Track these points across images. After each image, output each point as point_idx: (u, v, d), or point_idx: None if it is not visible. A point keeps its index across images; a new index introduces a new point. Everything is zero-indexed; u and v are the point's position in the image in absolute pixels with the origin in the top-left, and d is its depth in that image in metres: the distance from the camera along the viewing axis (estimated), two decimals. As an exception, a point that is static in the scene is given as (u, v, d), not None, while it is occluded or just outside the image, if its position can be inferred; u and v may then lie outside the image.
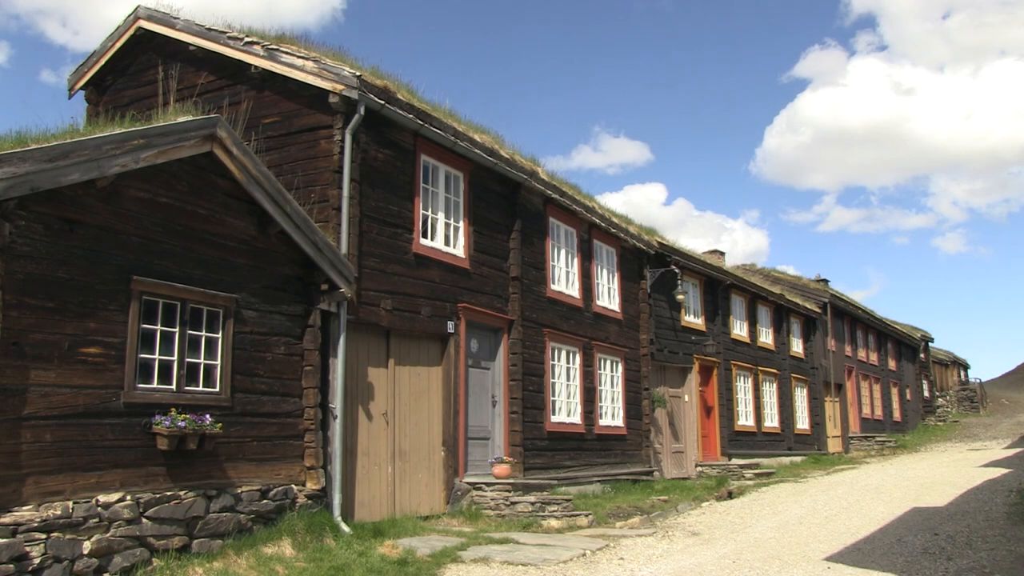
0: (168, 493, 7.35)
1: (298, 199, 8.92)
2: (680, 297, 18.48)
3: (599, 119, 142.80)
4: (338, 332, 9.55)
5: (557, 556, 8.47)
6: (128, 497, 6.99)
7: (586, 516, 11.45)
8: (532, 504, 11.27)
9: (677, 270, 18.25)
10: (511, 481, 11.66)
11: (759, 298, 23.66)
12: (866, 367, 33.42)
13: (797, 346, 26.28)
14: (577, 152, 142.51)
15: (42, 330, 6.54)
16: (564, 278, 14.94)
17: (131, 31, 11.80)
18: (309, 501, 8.84)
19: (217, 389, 7.99)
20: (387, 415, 10.68)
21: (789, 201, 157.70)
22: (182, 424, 7.28)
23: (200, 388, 7.85)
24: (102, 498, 6.80)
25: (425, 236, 11.43)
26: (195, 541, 7.50)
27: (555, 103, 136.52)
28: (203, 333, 7.94)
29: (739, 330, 22.39)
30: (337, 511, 9.20)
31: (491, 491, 11.50)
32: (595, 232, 15.97)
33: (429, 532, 9.72)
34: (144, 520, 7.07)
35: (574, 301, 15.04)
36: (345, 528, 8.96)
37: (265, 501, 8.34)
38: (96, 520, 6.68)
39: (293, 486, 8.75)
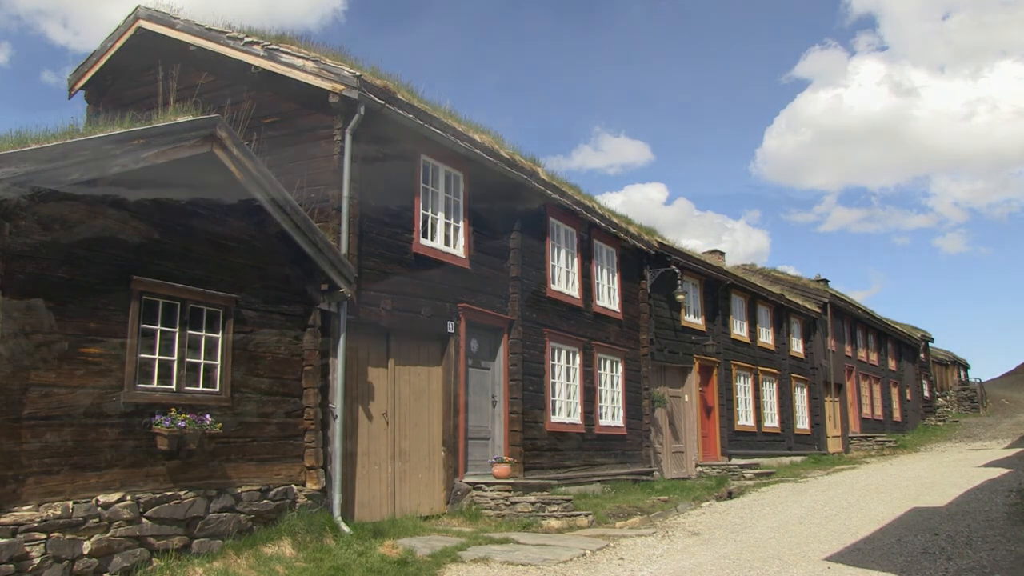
0: (168, 493, 7.34)
1: (298, 199, 8.92)
2: (680, 297, 18.47)
3: (599, 119, 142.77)
4: (338, 332, 9.55)
5: (557, 556, 8.47)
6: (128, 497, 6.98)
7: (586, 516, 11.45)
8: (532, 504, 11.27)
9: (677, 270, 18.24)
10: (511, 481, 11.66)
11: (759, 298, 23.65)
12: (866, 367, 33.41)
13: (797, 346, 26.27)
14: (577, 152, 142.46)
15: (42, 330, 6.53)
16: (564, 278, 14.93)
17: (131, 31, 11.79)
18: (309, 501, 8.83)
19: (217, 389, 7.98)
20: (387, 415, 10.68)
21: (790, 201, 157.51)
22: (182, 424, 7.28)
23: (200, 388, 7.84)
24: (102, 498, 6.80)
25: (425, 236, 11.43)
26: (195, 541, 7.50)
27: (555, 103, 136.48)
28: (203, 333, 7.94)
29: (739, 330, 22.38)
30: (337, 511, 9.20)
31: (491, 491, 11.50)
32: (595, 232, 15.97)
33: (429, 532, 9.73)
34: (144, 520, 7.07)
35: (574, 301, 15.04)
36: (345, 528, 8.96)
37: (265, 501, 8.34)
38: (96, 520, 6.68)
39: (293, 486, 8.74)
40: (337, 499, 9.25)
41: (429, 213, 11.58)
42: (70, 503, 6.53)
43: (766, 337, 24.11)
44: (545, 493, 11.87)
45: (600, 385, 15.66)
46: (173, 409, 7.35)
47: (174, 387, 7.55)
